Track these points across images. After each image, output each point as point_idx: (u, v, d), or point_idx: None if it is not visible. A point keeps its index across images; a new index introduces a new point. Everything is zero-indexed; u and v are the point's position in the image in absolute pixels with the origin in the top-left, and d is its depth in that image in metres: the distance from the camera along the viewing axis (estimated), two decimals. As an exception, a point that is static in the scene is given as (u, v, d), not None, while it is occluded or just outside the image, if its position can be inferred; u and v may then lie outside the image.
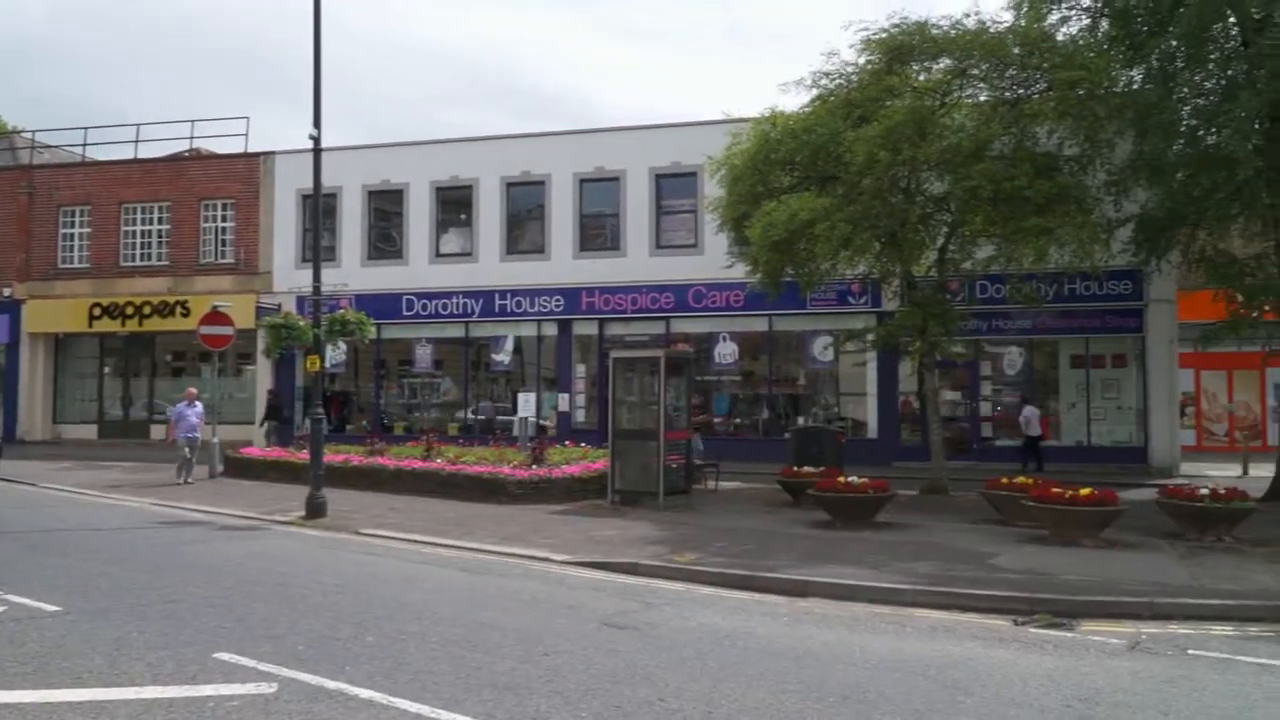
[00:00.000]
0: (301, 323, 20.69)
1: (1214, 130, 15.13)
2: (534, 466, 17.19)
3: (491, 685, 6.19)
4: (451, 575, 10.40)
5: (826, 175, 17.57)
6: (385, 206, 28.49)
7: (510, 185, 27.04)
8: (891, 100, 17.18)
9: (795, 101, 18.86)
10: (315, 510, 14.44)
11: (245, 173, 29.45)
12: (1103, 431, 23.26)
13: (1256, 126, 14.66)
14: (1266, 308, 17.26)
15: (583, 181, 26.37)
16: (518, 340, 27.18)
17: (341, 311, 21.59)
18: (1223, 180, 15.13)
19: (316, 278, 15.25)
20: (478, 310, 26.85)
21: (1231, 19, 15.53)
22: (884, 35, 17.50)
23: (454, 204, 27.87)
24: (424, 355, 27.84)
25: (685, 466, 16.54)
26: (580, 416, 26.27)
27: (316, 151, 15.08)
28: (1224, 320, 17.89)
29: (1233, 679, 6.65)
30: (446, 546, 12.24)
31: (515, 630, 7.70)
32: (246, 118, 35.76)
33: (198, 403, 20.13)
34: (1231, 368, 26.07)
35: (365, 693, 5.96)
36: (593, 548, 11.83)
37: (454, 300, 26.99)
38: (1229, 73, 15.65)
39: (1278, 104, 14.56)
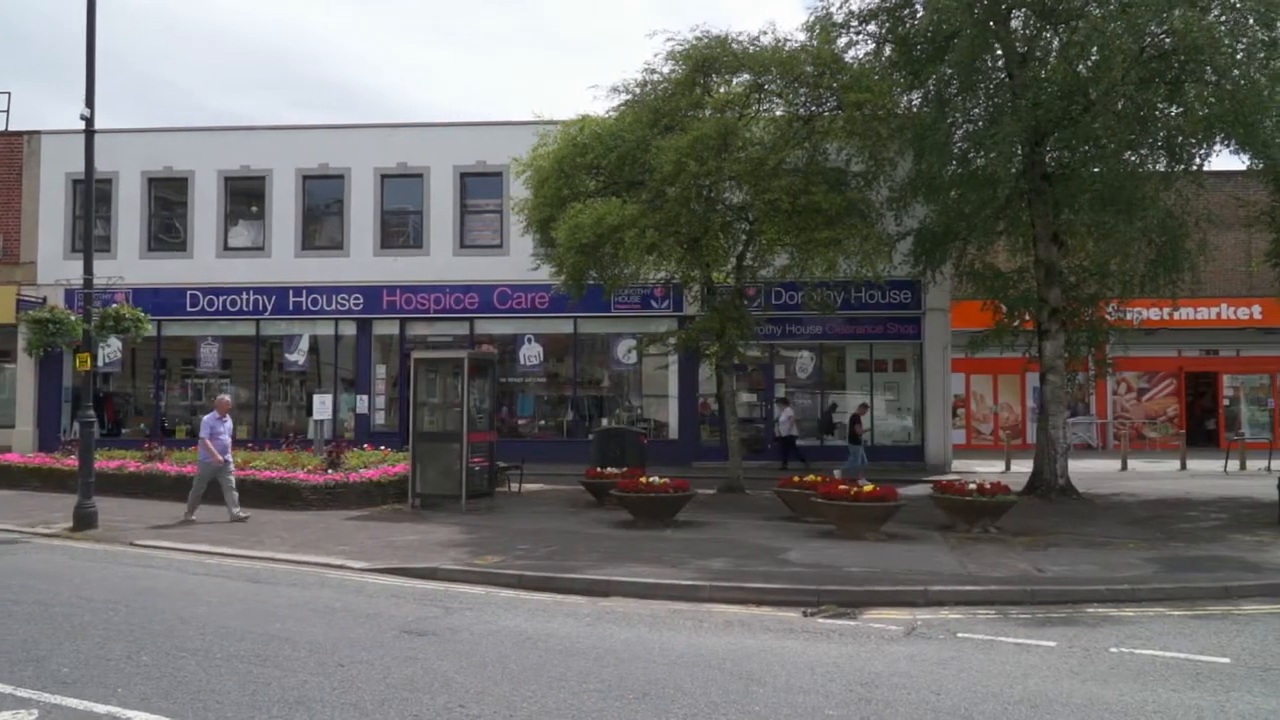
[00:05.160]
0: (71, 317, 19.08)
1: (981, 152, 16.44)
2: (330, 471, 16.56)
3: (281, 701, 5.91)
4: (239, 587, 9.85)
5: (632, 181, 17.86)
6: (168, 195, 26.61)
7: (307, 178, 25.90)
8: (695, 111, 17.69)
9: (602, 107, 19.11)
10: (84, 521, 13.35)
11: (6, 153, 26.77)
12: (884, 431, 24.80)
13: (1018, 151, 16.05)
14: (1026, 317, 18.88)
15: (384, 177, 25.60)
16: (314, 339, 26.09)
17: (116, 306, 20.03)
18: (989, 199, 16.48)
19: (88, 269, 14.08)
20: (270, 307, 25.57)
21: (999, 51, 16.95)
22: (688, 47, 18.00)
23: (244, 195, 26.38)
24: (210, 354, 26.24)
25: (489, 469, 16.40)
26: (380, 419, 25.52)
27: (89, 133, 13.92)
28: (990, 328, 19.47)
29: (996, 658, 7.24)
30: (234, 556, 11.61)
31: (308, 642, 7.39)
32: (8, 93, 32.65)
33: (228, 417, 15.09)
34: (997, 372, 28.45)
35: (139, 715, 5.58)
36: (392, 553, 11.53)
37: (244, 296, 25.58)
38: (995, 100, 17.02)
39: (1037, 130, 16.00)
